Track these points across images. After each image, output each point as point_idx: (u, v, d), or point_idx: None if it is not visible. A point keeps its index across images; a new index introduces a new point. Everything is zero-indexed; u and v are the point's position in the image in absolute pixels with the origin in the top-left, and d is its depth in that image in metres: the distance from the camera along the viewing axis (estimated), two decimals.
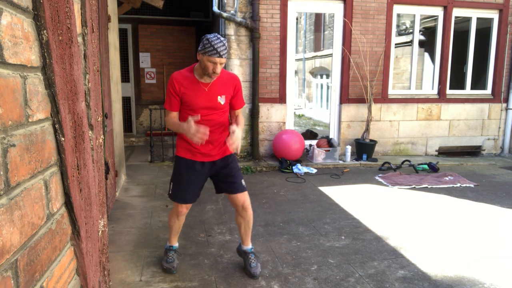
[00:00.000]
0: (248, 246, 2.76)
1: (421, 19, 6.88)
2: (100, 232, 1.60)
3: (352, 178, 5.38)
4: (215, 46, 2.24)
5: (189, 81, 2.43)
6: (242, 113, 2.85)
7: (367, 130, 6.22)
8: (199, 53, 2.31)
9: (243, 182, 2.63)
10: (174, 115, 2.49)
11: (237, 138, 2.32)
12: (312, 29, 14.54)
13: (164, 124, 8.41)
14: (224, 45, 2.28)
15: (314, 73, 14.08)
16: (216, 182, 2.67)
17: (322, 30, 13.76)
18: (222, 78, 2.47)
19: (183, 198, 2.58)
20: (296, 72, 13.44)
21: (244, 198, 2.62)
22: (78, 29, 1.41)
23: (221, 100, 2.46)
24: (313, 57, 13.88)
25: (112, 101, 4.13)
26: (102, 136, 1.74)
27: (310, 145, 6.32)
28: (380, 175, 5.51)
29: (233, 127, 2.36)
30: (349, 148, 6.13)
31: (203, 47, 2.28)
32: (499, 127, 7.11)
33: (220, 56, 2.26)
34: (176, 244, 2.84)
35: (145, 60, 8.39)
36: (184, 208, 2.64)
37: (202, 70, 2.36)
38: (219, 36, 2.30)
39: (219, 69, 2.32)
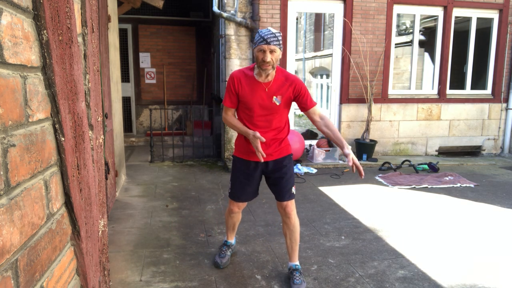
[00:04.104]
0: (293, 262, 2.64)
1: (421, 19, 6.88)
2: (100, 232, 1.60)
3: (352, 178, 5.38)
4: (262, 35, 2.28)
5: (248, 79, 2.45)
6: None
7: (367, 130, 6.22)
8: (253, 49, 2.35)
9: (292, 189, 2.57)
10: (231, 112, 2.54)
11: (357, 163, 2.28)
12: (312, 29, 14.54)
13: (164, 124, 8.43)
14: (272, 34, 2.27)
15: (314, 73, 14.08)
16: (268, 184, 2.68)
17: (322, 30, 13.76)
18: (280, 80, 2.43)
19: (238, 196, 2.67)
20: (296, 72, 13.43)
21: (288, 205, 2.57)
22: (78, 29, 1.41)
23: (277, 101, 2.42)
24: (313, 57, 13.88)
25: (112, 101, 4.13)
26: (102, 136, 1.74)
27: (310, 145, 6.32)
28: (380, 175, 5.51)
29: (351, 157, 2.27)
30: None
31: (254, 40, 2.33)
32: (499, 127, 7.11)
33: (268, 43, 2.25)
34: (231, 240, 2.93)
35: (145, 60, 8.39)
36: (236, 207, 2.72)
37: (257, 65, 2.37)
38: (271, 29, 2.32)
39: (268, 57, 2.26)
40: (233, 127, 2.54)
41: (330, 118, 6.60)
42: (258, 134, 2.38)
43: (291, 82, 2.43)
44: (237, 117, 2.57)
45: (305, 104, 2.47)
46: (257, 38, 2.30)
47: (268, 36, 2.26)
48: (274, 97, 2.41)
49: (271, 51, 2.27)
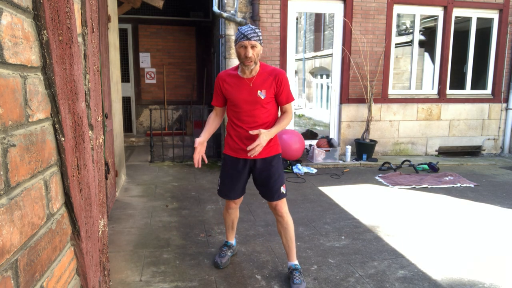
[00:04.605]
0: (292, 261, 2.65)
1: (421, 19, 6.88)
2: (100, 232, 1.60)
3: (352, 178, 5.38)
4: (243, 31, 2.33)
5: (232, 77, 2.51)
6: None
7: (367, 130, 6.22)
8: (235, 47, 2.40)
9: (282, 189, 2.56)
10: (217, 111, 2.68)
11: (258, 144, 2.32)
12: (312, 29, 14.55)
13: (164, 124, 8.43)
14: (252, 30, 2.33)
15: (314, 73, 14.08)
16: (255, 184, 2.67)
17: (322, 30, 13.77)
18: (264, 74, 2.47)
19: (227, 194, 2.68)
20: (296, 72, 13.44)
21: (278, 204, 2.57)
22: (78, 29, 1.41)
23: (261, 94, 2.45)
24: (313, 57, 13.88)
25: (112, 101, 4.13)
26: (102, 136, 1.73)
27: (310, 145, 6.32)
28: (380, 175, 5.51)
29: (260, 130, 2.35)
30: (349, 148, 6.13)
31: (235, 38, 2.38)
32: (499, 127, 7.11)
33: (248, 39, 2.30)
34: (231, 241, 2.93)
35: (145, 60, 8.39)
36: (232, 203, 2.74)
37: (240, 61, 2.41)
38: (250, 25, 2.39)
39: (250, 52, 2.31)
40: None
41: (330, 118, 6.61)
42: (197, 141, 2.51)
43: (275, 76, 2.47)
44: (227, 115, 2.63)
45: (280, 102, 2.54)
46: (238, 35, 2.35)
47: (249, 32, 2.32)
48: (259, 91, 2.45)
49: (252, 47, 2.33)
